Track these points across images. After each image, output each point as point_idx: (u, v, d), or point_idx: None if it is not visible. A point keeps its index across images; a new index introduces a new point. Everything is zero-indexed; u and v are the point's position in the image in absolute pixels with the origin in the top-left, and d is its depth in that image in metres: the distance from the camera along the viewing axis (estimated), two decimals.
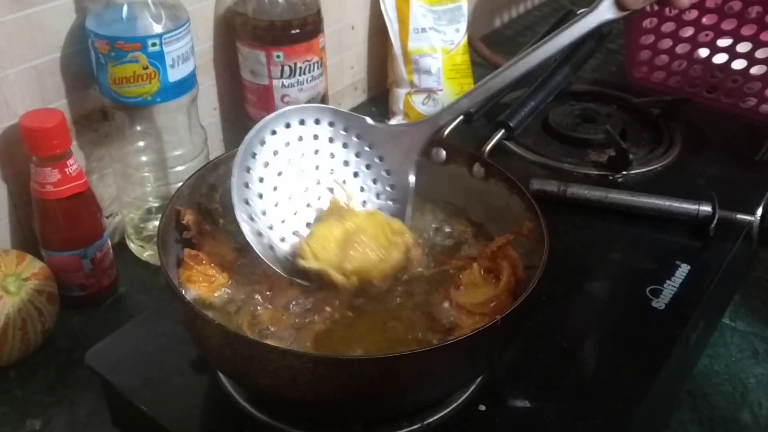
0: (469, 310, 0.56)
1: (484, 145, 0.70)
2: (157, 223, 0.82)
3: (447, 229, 0.65)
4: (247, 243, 0.58)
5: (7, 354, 0.69)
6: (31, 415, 0.67)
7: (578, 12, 0.83)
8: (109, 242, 0.79)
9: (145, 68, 0.72)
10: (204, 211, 0.62)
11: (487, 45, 1.30)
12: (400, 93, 1.11)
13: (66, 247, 0.74)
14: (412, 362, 0.46)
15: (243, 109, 0.95)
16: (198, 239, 0.59)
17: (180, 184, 0.77)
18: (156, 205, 0.83)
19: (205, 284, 0.58)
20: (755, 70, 1.11)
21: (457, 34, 1.12)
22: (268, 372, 0.47)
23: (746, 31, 1.10)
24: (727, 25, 1.11)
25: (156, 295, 0.81)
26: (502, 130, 0.67)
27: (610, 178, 0.82)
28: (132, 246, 0.85)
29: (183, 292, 0.56)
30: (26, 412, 0.68)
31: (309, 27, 0.87)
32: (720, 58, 1.13)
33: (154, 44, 0.71)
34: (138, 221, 0.84)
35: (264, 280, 0.58)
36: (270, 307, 0.56)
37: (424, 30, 1.09)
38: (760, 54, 1.09)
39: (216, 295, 0.58)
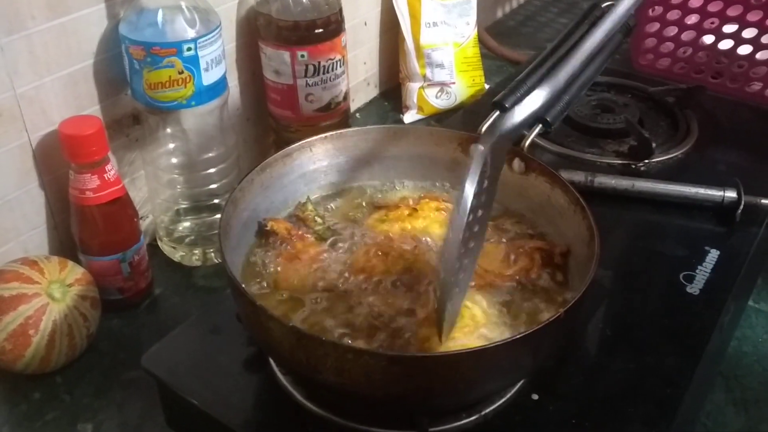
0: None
1: (521, 141, 0.72)
2: (187, 224, 0.84)
3: None
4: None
5: (54, 360, 0.70)
6: (82, 419, 0.68)
7: (603, 5, 0.85)
8: (145, 245, 0.80)
9: (181, 72, 0.73)
10: (299, 219, 0.66)
11: (492, 36, 1.32)
12: (414, 87, 1.12)
13: (105, 252, 0.75)
14: (480, 356, 0.48)
15: (265, 109, 0.96)
16: (289, 242, 0.63)
17: (212, 185, 0.79)
18: (185, 206, 0.84)
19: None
20: (761, 55, 1.13)
21: (467, 27, 1.14)
22: (341, 370, 0.48)
23: (752, 16, 1.12)
24: (733, 11, 1.13)
25: (191, 294, 0.82)
26: (540, 125, 0.69)
27: (633, 167, 0.84)
28: (164, 247, 0.86)
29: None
30: (77, 417, 0.69)
31: (332, 26, 0.88)
32: (725, 44, 1.15)
33: (189, 49, 0.72)
34: (168, 223, 0.85)
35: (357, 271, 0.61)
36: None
37: (435, 24, 1.11)
38: (765, 39, 1.11)
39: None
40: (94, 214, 0.73)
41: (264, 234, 0.63)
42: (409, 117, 1.13)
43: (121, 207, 0.75)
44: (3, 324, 0.67)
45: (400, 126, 0.72)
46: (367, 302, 0.57)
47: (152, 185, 0.83)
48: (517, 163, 0.65)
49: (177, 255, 0.85)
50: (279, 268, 0.61)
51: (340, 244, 0.64)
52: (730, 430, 0.68)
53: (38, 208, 0.76)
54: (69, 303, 0.70)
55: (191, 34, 0.72)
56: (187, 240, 0.85)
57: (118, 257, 0.76)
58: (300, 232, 0.64)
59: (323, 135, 0.67)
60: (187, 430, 0.64)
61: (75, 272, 0.72)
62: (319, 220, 0.65)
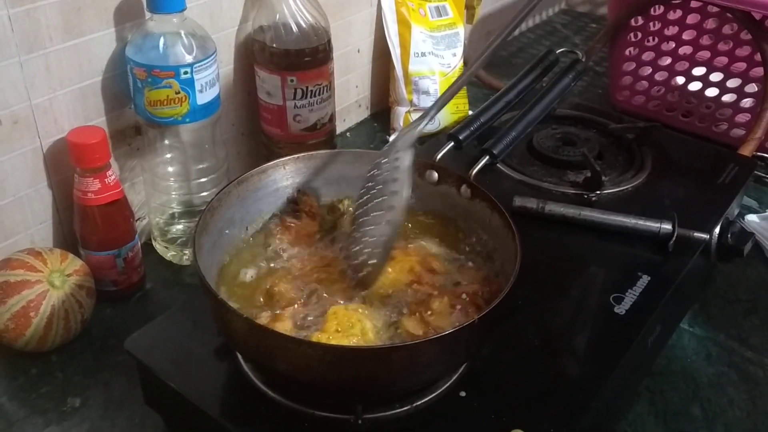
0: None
1: (472, 167, 0.80)
2: (180, 227, 0.93)
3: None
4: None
5: (51, 340, 0.79)
6: (72, 394, 0.77)
7: (557, 51, 0.93)
8: (139, 243, 0.89)
9: (177, 93, 0.82)
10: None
11: (483, 66, 1.40)
12: (401, 111, 1.21)
13: (103, 248, 0.84)
14: (403, 352, 0.56)
15: (258, 125, 1.05)
16: (301, 215, 0.75)
17: (204, 193, 0.88)
18: (179, 210, 0.93)
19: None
20: (727, 98, 1.21)
21: (454, 58, 1.22)
22: (286, 358, 0.57)
23: (718, 62, 1.20)
24: (701, 56, 1.22)
25: (178, 290, 0.91)
26: (487, 157, 0.77)
27: (585, 196, 0.91)
28: (157, 247, 0.95)
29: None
30: (68, 392, 0.77)
31: (320, 55, 0.97)
32: (695, 86, 1.24)
33: (185, 72, 0.81)
34: (163, 225, 0.94)
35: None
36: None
37: (423, 54, 1.19)
38: (730, 83, 1.20)
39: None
40: (94, 214, 0.82)
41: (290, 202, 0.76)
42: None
43: (119, 208, 0.84)
44: (7, 305, 0.76)
45: (363, 150, 0.80)
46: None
47: (149, 190, 0.92)
48: (430, 174, 0.76)
49: (168, 254, 0.94)
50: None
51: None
52: None
53: (46, 205, 0.86)
54: (67, 291, 0.79)
55: (188, 59, 0.81)
56: (178, 241, 0.94)
57: (114, 253, 0.85)
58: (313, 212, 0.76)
59: (296, 155, 0.75)
60: (161, 407, 0.73)
61: (74, 264, 0.82)
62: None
